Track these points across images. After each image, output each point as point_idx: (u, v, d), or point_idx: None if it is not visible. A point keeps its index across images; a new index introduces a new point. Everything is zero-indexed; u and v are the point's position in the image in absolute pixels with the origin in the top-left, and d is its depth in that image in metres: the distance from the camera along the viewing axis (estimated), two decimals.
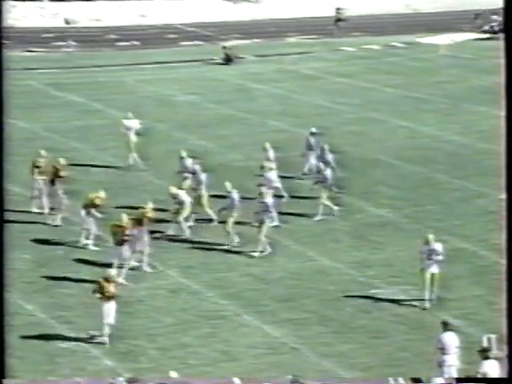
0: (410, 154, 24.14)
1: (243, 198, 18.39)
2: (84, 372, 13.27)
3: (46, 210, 18.90)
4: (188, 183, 18.92)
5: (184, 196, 17.69)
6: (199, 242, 17.76)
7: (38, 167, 19.31)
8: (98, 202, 18.17)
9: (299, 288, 16.18)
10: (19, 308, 15.08)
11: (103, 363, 13.61)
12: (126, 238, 16.01)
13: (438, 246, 15.17)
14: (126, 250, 16.04)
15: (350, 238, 18.51)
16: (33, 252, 16.69)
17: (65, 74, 32.44)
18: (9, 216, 17.70)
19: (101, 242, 17.50)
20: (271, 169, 19.63)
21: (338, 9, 40.61)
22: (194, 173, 18.91)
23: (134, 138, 22.63)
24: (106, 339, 13.93)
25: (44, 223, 18.56)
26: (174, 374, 12.14)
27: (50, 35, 38.24)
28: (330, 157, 20.55)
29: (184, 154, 19.51)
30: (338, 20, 40.21)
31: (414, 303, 15.45)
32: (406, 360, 13.76)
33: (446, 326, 12.75)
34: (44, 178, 19.09)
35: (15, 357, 13.50)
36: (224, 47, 35.56)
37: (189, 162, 19.32)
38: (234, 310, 15.27)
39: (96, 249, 17.40)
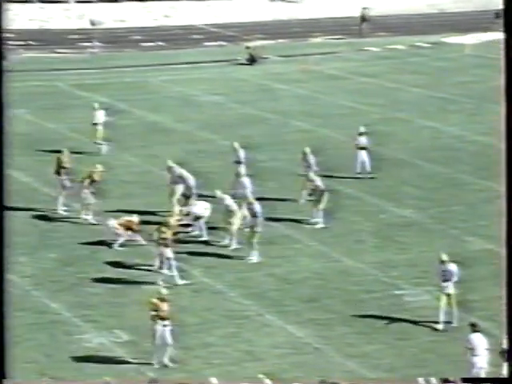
0: (435, 154, 23.99)
1: (264, 199, 18.31)
2: (108, 371, 13.33)
3: (63, 208, 19.00)
4: (180, 190, 18.74)
5: (230, 203, 17.49)
6: (222, 247, 17.73)
7: (63, 167, 19.38)
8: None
9: (323, 288, 16.14)
10: (45, 306, 15.21)
11: (127, 362, 13.65)
12: (172, 238, 15.94)
13: (453, 267, 14.59)
14: (169, 251, 16.01)
15: (374, 238, 18.43)
16: (58, 251, 16.80)
17: (90, 74, 32.63)
18: (35, 215, 18.04)
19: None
20: (244, 175, 19.33)
21: (364, 8, 40.44)
22: (183, 180, 18.68)
23: (101, 129, 23.08)
24: (167, 361, 13.34)
25: (70, 222, 18.65)
26: (214, 381, 12.13)
27: (76, 36, 38.49)
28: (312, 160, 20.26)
29: (171, 163, 19.23)
30: (364, 19, 40.04)
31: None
32: (431, 361, 13.67)
33: (474, 327, 12.65)
34: (69, 177, 19.15)
35: (44, 354, 13.62)
36: (248, 47, 35.56)
37: (177, 169, 19.11)
38: (257, 310, 15.26)
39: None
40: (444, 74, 33.26)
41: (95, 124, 23.56)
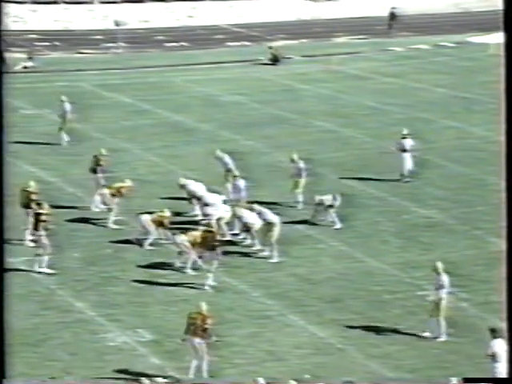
0: (459, 154, 23.87)
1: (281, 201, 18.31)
2: (131, 370, 13.42)
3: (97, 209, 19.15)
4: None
5: (270, 216, 17.50)
6: (245, 246, 17.77)
7: (99, 165, 19.49)
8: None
9: (345, 289, 16.13)
10: (69, 305, 15.33)
11: (150, 362, 13.75)
12: (216, 243, 15.97)
13: (445, 278, 14.37)
14: (218, 253, 16.04)
15: (397, 238, 18.38)
16: (83, 251, 16.92)
17: (114, 75, 32.82)
18: (61, 215, 18.19)
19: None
20: (236, 176, 19.27)
21: (393, 7, 40.27)
22: (199, 198, 18.66)
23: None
24: (205, 375, 13.01)
25: (95, 222, 18.79)
26: (261, 381, 12.14)
27: (100, 37, 38.74)
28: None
29: (183, 181, 19.13)
30: (393, 18, 39.85)
31: (463, 305, 15.27)
32: (454, 362, 13.62)
33: (494, 333, 12.56)
34: (104, 176, 19.17)
35: (68, 353, 13.75)
36: (271, 47, 35.56)
37: (192, 186, 19.03)
38: (279, 310, 15.28)
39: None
40: (468, 74, 33.05)
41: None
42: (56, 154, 23.79)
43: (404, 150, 21.62)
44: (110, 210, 18.57)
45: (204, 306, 13.20)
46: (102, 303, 15.51)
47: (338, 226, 18.75)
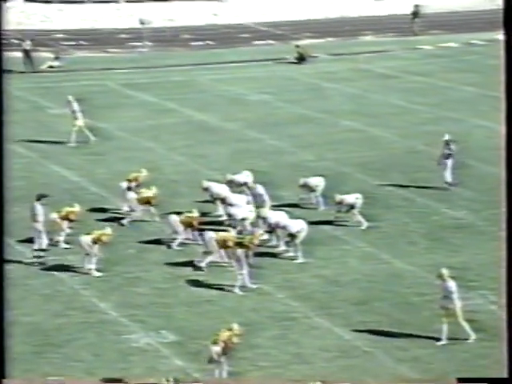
0: (488, 154, 23.58)
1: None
2: (155, 371, 13.40)
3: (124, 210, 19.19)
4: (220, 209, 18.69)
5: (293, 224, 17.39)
6: (270, 247, 17.70)
7: (129, 181, 19.37)
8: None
9: (372, 291, 16.00)
10: (94, 306, 15.36)
11: (173, 363, 13.72)
12: (250, 245, 15.95)
13: (452, 284, 14.19)
14: (249, 255, 15.98)
15: (425, 240, 18.21)
16: (105, 251, 16.95)
17: (139, 74, 32.92)
18: (83, 215, 18.26)
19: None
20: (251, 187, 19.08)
21: (416, 5, 39.97)
22: (223, 199, 18.64)
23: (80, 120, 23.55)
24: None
25: (117, 223, 18.82)
26: None
27: (126, 36, 38.88)
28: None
29: (206, 183, 19.09)
30: (415, 16, 39.57)
31: (491, 307, 15.06)
32: (484, 367, 13.43)
33: None
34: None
35: (92, 354, 13.76)
36: (297, 46, 35.45)
37: (216, 188, 18.96)
38: (304, 312, 15.19)
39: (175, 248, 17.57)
40: (498, 73, 32.63)
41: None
42: (81, 154, 23.88)
43: (447, 157, 21.09)
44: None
45: (236, 326, 13.10)
46: (125, 304, 15.52)
47: (365, 226, 18.61)
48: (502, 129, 8.40)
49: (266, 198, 18.63)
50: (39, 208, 17.13)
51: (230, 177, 19.74)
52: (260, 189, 18.81)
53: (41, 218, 17.04)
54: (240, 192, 19.27)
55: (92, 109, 26.18)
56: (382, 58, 35.50)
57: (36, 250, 16.99)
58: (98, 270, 16.59)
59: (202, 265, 16.49)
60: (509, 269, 7.72)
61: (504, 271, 8.34)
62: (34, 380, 12.94)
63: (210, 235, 16.53)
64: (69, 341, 14.28)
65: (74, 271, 16.72)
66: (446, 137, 21.30)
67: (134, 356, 13.88)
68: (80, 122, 24.14)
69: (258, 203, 18.35)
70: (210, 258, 16.51)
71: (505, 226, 7.99)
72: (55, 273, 16.70)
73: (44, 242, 17.01)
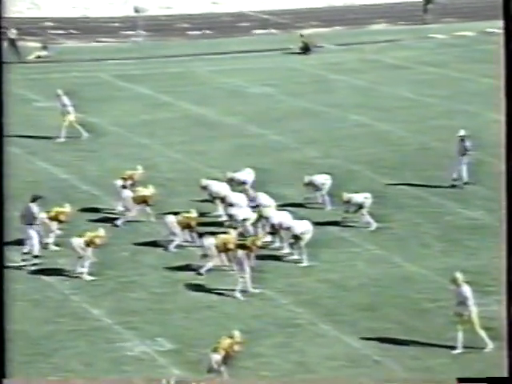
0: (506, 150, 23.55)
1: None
2: (150, 381, 13.41)
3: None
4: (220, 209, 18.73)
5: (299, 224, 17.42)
6: (272, 249, 17.71)
7: (124, 179, 19.41)
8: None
9: (382, 296, 16.02)
10: (85, 312, 15.39)
11: (171, 372, 13.74)
12: (251, 247, 16.04)
13: (467, 289, 14.21)
14: (251, 258, 16.02)
15: (438, 242, 18.23)
16: (98, 253, 16.97)
17: (133, 64, 32.95)
18: (74, 215, 18.29)
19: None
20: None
21: None
22: (223, 199, 18.67)
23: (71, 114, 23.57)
24: None
25: (110, 223, 18.85)
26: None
27: (119, 24, 38.90)
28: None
29: (205, 181, 19.12)
30: (428, 2, 39.53)
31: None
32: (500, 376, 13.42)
33: None
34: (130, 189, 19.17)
35: (83, 363, 13.78)
36: (301, 35, 35.45)
37: (215, 186, 19.00)
38: (309, 319, 15.22)
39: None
40: None
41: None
42: (70, 150, 23.90)
43: (463, 154, 21.04)
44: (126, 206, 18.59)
45: (237, 333, 13.14)
46: (119, 310, 15.54)
47: (374, 227, 18.63)
48: None
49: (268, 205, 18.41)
50: (35, 210, 17.09)
51: (230, 175, 19.77)
52: (263, 198, 18.63)
53: (36, 220, 17.01)
54: (241, 191, 19.30)
55: (83, 102, 26.17)
56: (392, 47, 35.49)
57: (25, 253, 16.99)
58: (90, 273, 16.61)
59: (202, 271, 16.50)
60: (509, 268, 7.84)
61: (505, 271, 8.44)
62: (34, 380, 13.10)
63: (210, 241, 16.54)
64: (58, 350, 14.30)
65: (65, 275, 16.74)
66: (462, 132, 21.27)
67: (129, 365, 13.91)
68: (71, 117, 24.17)
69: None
70: (209, 265, 16.52)
71: (505, 227, 8.11)
72: (44, 277, 16.72)
73: (36, 247, 17.00)
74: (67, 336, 14.71)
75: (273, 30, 38.98)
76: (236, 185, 19.61)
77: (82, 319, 15.23)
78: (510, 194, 7.84)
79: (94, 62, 32.88)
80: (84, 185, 21.26)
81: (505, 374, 12.80)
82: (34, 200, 17.13)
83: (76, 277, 16.59)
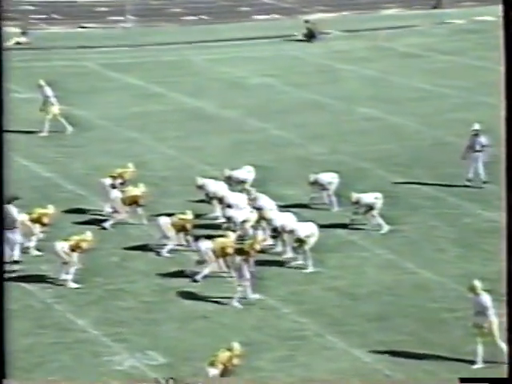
0: None
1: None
2: None
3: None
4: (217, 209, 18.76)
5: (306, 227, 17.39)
6: (274, 254, 17.72)
7: (113, 177, 19.40)
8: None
9: (394, 305, 16.03)
10: (69, 323, 15.40)
11: None
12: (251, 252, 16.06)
13: (486, 298, 14.20)
14: (251, 264, 16.02)
15: (455, 246, 18.24)
16: (84, 259, 16.97)
17: (122, 53, 32.97)
18: (58, 217, 18.29)
19: None
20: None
21: None
22: (220, 199, 18.68)
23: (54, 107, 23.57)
24: None
25: (97, 225, 18.85)
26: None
27: (106, 9, 38.92)
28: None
29: (201, 180, 19.14)
30: None
31: None
32: None
33: None
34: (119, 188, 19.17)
35: (67, 378, 13.76)
36: (306, 21, 35.52)
37: (212, 186, 19.00)
38: (315, 330, 15.23)
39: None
40: None
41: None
42: (53, 146, 23.91)
43: (475, 150, 20.99)
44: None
45: (236, 346, 13.17)
46: (106, 320, 15.55)
47: (385, 230, 18.63)
48: None
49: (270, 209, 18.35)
50: (13, 212, 17.03)
51: (228, 172, 19.77)
52: (264, 201, 18.58)
53: (16, 223, 16.96)
54: (240, 191, 19.29)
55: (67, 93, 26.20)
56: (405, 34, 35.51)
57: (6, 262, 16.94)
58: (74, 281, 16.61)
59: (198, 278, 16.51)
60: (509, 268, 7.97)
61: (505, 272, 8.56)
62: (33, 380, 13.20)
63: (206, 245, 16.54)
64: (40, 364, 14.30)
65: (47, 282, 16.74)
66: (476, 126, 21.22)
67: (117, 381, 13.89)
68: (54, 109, 24.17)
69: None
70: (206, 271, 16.53)
71: (505, 226, 8.25)
72: (25, 284, 16.71)
73: (16, 252, 16.98)
74: (50, 349, 14.71)
75: (275, 16, 39.02)
76: (235, 184, 19.60)
77: (66, 331, 15.23)
78: (510, 193, 7.91)
79: (79, 49, 32.91)
80: (69, 184, 21.26)
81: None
82: (11, 201, 17.06)
83: (60, 284, 16.59)
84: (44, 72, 27.11)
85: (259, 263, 16.78)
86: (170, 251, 17.67)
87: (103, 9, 39.20)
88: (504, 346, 14.25)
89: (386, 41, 34.34)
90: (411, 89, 28.72)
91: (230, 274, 16.56)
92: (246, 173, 19.89)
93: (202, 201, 19.44)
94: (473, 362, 14.33)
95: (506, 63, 8.17)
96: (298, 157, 23.01)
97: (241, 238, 17.47)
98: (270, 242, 17.62)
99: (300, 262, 17.35)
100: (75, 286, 16.51)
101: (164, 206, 19.47)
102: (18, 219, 17.12)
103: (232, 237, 16.84)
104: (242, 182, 19.75)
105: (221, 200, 18.80)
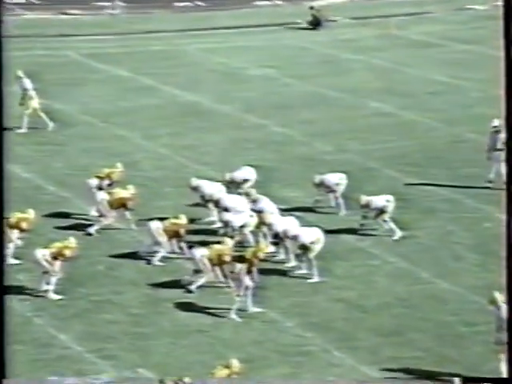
0: None
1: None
2: None
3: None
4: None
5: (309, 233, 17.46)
6: (277, 262, 17.77)
7: (100, 178, 19.46)
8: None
9: (408, 318, 16.07)
10: (50, 338, 15.42)
11: None
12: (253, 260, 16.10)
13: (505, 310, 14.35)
14: (253, 273, 16.08)
15: (475, 254, 18.30)
16: (67, 267, 17.00)
17: (109, 42, 33.07)
18: (41, 221, 18.29)
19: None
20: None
21: None
22: (216, 202, 18.77)
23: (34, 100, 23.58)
24: None
25: (81, 231, 18.90)
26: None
27: None
28: None
29: (195, 181, 19.20)
30: None
31: None
32: None
33: None
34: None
35: None
36: (311, 7, 35.65)
37: (207, 188, 19.09)
38: (321, 345, 15.27)
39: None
40: None
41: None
42: (33, 143, 23.97)
43: (496, 149, 21.02)
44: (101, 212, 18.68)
45: (234, 362, 13.27)
46: (91, 335, 15.57)
47: (398, 236, 18.68)
48: None
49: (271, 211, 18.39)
50: None
51: (229, 176, 19.72)
52: (265, 203, 18.56)
53: None
54: (239, 193, 19.31)
55: (48, 86, 26.29)
56: (420, 21, 35.62)
57: None
58: (56, 291, 16.64)
59: (192, 288, 16.55)
60: (509, 268, 8.11)
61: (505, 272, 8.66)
62: (33, 380, 13.37)
63: (202, 252, 16.58)
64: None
65: (26, 294, 16.77)
66: (496, 123, 21.24)
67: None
68: (34, 103, 24.23)
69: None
70: (201, 281, 16.57)
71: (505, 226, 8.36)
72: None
73: None
74: (29, 367, 14.73)
75: (277, 1, 39.11)
76: (233, 186, 19.62)
77: (47, 346, 15.27)
78: (510, 192, 8.03)
79: (60, 37, 32.98)
80: (50, 185, 21.32)
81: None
82: None
83: (40, 296, 16.62)
84: (23, 62, 27.11)
85: (260, 272, 16.78)
86: (162, 259, 17.71)
87: None
88: None
89: (398, 28, 34.41)
90: (426, 81, 28.79)
91: (227, 284, 16.59)
92: (248, 173, 19.88)
93: (196, 204, 19.49)
94: (494, 381, 14.34)
95: (505, 63, 8.25)
96: (302, 156, 23.07)
97: (239, 245, 17.51)
98: (271, 249, 17.65)
99: (304, 270, 17.39)
100: (57, 297, 16.54)
101: (155, 210, 19.52)
102: None
103: (229, 243, 16.88)
104: (241, 183, 19.75)
105: (217, 203, 18.86)
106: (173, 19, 36.17)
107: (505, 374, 14.20)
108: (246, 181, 19.76)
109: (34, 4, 37.69)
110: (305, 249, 17.31)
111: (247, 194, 18.95)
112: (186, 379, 13.37)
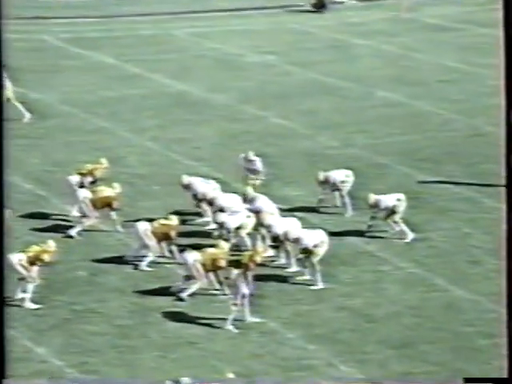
0: None
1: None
2: None
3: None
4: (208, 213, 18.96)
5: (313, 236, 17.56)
6: (277, 268, 17.83)
7: (82, 174, 19.53)
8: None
9: (420, 329, 16.11)
10: (26, 351, 15.43)
11: None
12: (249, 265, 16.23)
13: None
14: (249, 279, 16.20)
15: (495, 258, 18.31)
16: (46, 273, 17.05)
17: (91, 25, 33.10)
18: (16, 222, 18.30)
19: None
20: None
21: None
22: (210, 201, 18.86)
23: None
24: None
25: (61, 233, 18.95)
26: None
27: None
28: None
29: (187, 179, 19.33)
30: None
31: None
32: None
33: None
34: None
35: None
36: None
37: (200, 186, 19.17)
38: (325, 358, 15.31)
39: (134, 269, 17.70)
40: None
41: None
42: (8, 136, 23.92)
43: None
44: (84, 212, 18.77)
45: (231, 376, 13.40)
46: (72, 347, 15.59)
47: (409, 238, 18.74)
48: None
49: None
50: None
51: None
52: (263, 203, 18.62)
53: None
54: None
55: (23, 74, 26.31)
56: (433, 3, 35.67)
57: None
58: (33, 300, 16.68)
59: (184, 296, 16.61)
60: (509, 267, 8.22)
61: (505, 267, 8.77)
62: (33, 380, 13.57)
63: (194, 257, 16.64)
64: None
65: None
66: None
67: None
68: (8, 93, 24.23)
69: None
70: (193, 288, 16.63)
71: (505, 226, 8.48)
72: None
73: None
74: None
75: None
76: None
77: (24, 361, 15.27)
78: (510, 192, 8.14)
79: (37, 20, 32.99)
80: (27, 183, 21.35)
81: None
82: None
83: (15, 305, 16.65)
84: None
85: (258, 278, 16.87)
86: (150, 264, 17.77)
87: None
88: None
89: (410, 11, 34.47)
90: (440, 69, 28.86)
91: (222, 291, 16.64)
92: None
93: (188, 203, 19.53)
94: (494, 381, 14.42)
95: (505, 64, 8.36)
96: (305, 151, 23.13)
97: (235, 248, 17.57)
98: (270, 252, 17.71)
99: (307, 277, 17.44)
100: (34, 306, 16.58)
101: (143, 210, 19.58)
102: None
103: (225, 247, 16.93)
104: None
105: (211, 202, 18.92)
106: (161, 1, 36.23)
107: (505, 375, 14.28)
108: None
109: None
110: (307, 253, 17.37)
111: (244, 193, 19.00)
112: (186, 379, 13.43)
